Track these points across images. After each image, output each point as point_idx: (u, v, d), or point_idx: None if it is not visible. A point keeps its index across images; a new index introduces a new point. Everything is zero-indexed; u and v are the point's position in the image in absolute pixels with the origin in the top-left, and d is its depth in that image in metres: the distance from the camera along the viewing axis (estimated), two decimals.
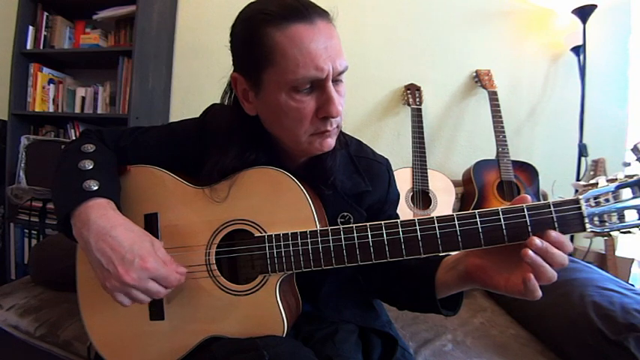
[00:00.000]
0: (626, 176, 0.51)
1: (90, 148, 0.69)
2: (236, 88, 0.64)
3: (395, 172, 0.83)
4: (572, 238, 1.65)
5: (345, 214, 0.72)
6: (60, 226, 0.63)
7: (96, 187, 0.62)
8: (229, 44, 0.63)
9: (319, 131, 0.60)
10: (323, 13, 0.58)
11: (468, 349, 0.96)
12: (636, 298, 0.92)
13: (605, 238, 0.53)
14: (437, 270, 0.66)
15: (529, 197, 0.54)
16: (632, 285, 1.24)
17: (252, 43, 0.57)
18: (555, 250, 0.50)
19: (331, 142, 0.63)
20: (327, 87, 0.57)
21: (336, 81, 0.59)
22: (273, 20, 0.55)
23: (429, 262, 0.68)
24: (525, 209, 0.53)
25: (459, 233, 0.55)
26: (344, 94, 0.61)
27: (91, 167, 0.65)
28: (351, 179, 0.73)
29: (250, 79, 0.61)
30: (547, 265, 0.50)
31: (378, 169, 0.77)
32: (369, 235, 0.59)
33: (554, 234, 0.51)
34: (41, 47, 1.99)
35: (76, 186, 0.62)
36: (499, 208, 0.54)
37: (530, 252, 0.50)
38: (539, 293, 0.51)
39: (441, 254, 0.63)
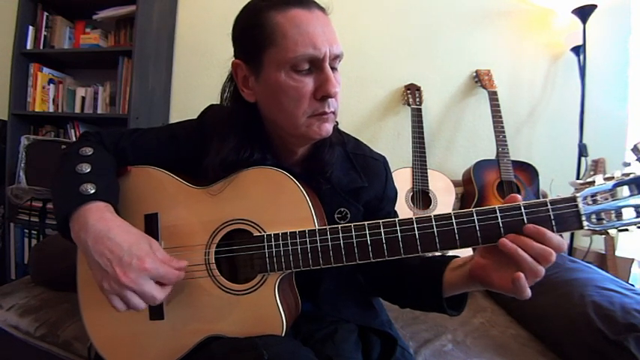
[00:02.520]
0: (623, 174, 0.52)
1: (88, 151, 0.69)
2: (236, 75, 0.67)
3: (395, 172, 0.83)
4: (572, 238, 1.66)
5: (342, 209, 0.72)
6: (59, 229, 0.64)
7: (93, 191, 0.62)
8: (231, 33, 0.66)
9: (317, 112, 0.62)
10: (320, 6, 0.63)
11: (468, 349, 0.96)
12: (636, 298, 0.92)
13: (604, 236, 0.53)
14: (445, 269, 0.66)
15: (519, 197, 0.55)
16: (632, 285, 1.24)
17: (254, 25, 0.61)
18: (533, 243, 0.51)
19: (328, 126, 0.64)
20: (324, 67, 0.60)
21: (332, 68, 0.61)
22: (275, 5, 0.60)
23: (437, 261, 0.69)
24: (522, 207, 0.53)
25: (456, 231, 0.55)
26: (339, 82, 0.62)
27: (88, 170, 0.65)
28: (347, 175, 0.74)
29: (251, 62, 0.63)
30: (529, 258, 0.51)
31: (374, 165, 0.78)
32: (367, 234, 0.59)
33: (530, 226, 0.52)
34: (41, 47, 1.99)
35: (73, 189, 0.62)
36: (496, 207, 0.54)
37: (506, 240, 0.52)
38: (528, 292, 0.52)
39: (450, 254, 0.63)
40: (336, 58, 0.62)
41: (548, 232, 0.51)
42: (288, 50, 0.58)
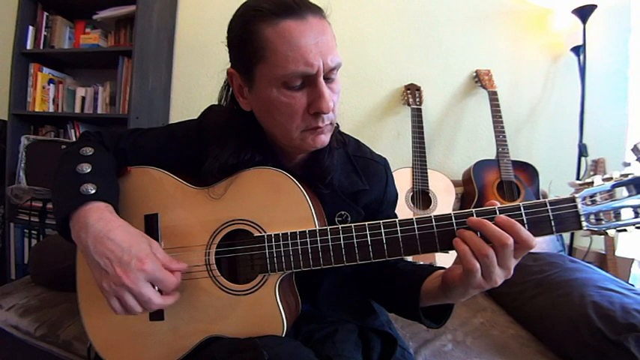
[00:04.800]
0: (622, 175, 0.52)
1: (88, 151, 0.69)
2: (232, 83, 0.66)
3: (395, 173, 0.83)
4: (572, 238, 1.66)
5: (343, 212, 0.72)
6: (58, 230, 0.64)
7: (93, 191, 0.62)
8: (226, 40, 0.64)
9: (311, 127, 0.60)
10: (315, 10, 0.58)
11: (468, 349, 0.96)
12: (636, 298, 0.92)
13: (603, 236, 0.53)
14: (427, 277, 0.66)
15: (497, 202, 0.54)
16: (632, 285, 1.24)
17: (244, 39, 0.58)
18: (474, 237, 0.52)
19: (324, 138, 0.63)
20: (318, 83, 0.57)
21: (328, 78, 0.59)
22: (265, 16, 0.56)
23: (424, 269, 0.68)
24: (522, 208, 0.53)
25: (456, 231, 0.55)
26: (338, 91, 0.61)
27: (89, 170, 0.65)
28: (348, 178, 0.73)
29: (244, 74, 0.62)
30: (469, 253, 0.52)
31: (375, 168, 0.77)
32: (368, 235, 0.59)
33: (474, 219, 0.53)
34: (41, 47, 1.99)
35: (74, 190, 0.62)
36: (496, 207, 0.54)
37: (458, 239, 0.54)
38: (475, 264, 0.52)
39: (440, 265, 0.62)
40: (332, 69, 0.58)
41: (489, 224, 0.52)
42: (278, 67, 0.55)
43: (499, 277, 0.52)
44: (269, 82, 0.57)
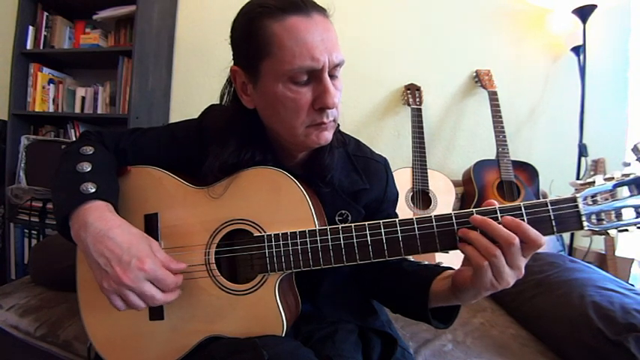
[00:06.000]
0: (623, 175, 0.52)
1: (89, 150, 0.69)
2: (235, 81, 0.66)
3: (395, 172, 0.83)
4: (572, 238, 1.66)
5: (343, 211, 0.72)
6: (58, 228, 0.64)
7: (93, 190, 0.62)
8: (229, 39, 0.65)
9: (315, 123, 0.61)
10: (320, 8, 0.60)
11: (468, 349, 0.96)
12: (636, 298, 0.92)
13: (604, 236, 0.53)
14: (435, 278, 0.65)
15: (495, 202, 0.54)
16: (632, 285, 1.24)
17: (250, 34, 0.59)
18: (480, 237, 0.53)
19: (328, 135, 0.63)
20: (323, 78, 0.58)
21: (332, 76, 0.60)
22: (271, 13, 0.57)
23: (431, 269, 0.68)
24: (523, 207, 0.53)
25: (456, 232, 0.55)
26: (340, 88, 0.61)
27: (89, 169, 0.65)
28: (348, 177, 0.73)
29: (249, 70, 0.62)
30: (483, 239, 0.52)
31: (375, 167, 0.77)
32: (368, 235, 0.59)
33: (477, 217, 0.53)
34: (41, 47, 1.99)
35: (74, 188, 0.62)
36: (497, 207, 0.54)
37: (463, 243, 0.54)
38: (484, 262, 0.52)
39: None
40: (337, 66, 0.59)
41: (494, 224, 0.52)
42: (285, 62, 0.56)
43: (510, 277, 0.52)
44: (275, 77, 0.58)
